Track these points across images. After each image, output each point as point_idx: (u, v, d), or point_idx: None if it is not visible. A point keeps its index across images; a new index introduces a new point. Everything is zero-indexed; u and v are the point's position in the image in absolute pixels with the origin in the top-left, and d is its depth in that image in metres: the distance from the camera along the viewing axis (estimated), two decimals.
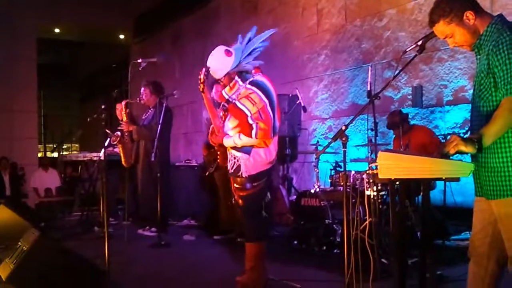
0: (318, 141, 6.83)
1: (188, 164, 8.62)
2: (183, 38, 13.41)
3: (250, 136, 3.77)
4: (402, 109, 7.10)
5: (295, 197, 6.62)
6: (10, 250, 4.34)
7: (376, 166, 2.70)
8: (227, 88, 3.93)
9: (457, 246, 5.36)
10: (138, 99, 6.83)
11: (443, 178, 2.61)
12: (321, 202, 5.49)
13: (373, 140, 5.29)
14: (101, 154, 4.25)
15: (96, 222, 7.25)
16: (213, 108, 4.11)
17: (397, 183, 2.91)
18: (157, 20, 14.47)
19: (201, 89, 4.00)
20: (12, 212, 5.84)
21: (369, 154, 5.34)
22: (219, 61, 3.89)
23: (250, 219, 4.05)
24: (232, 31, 10.97)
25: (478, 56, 2.62)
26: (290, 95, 7.83)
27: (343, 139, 3.03)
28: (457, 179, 2.56)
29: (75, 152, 19.53)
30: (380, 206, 4.82)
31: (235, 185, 4.00)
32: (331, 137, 7.87)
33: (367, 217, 4.14)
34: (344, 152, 3.14)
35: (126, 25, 16.07)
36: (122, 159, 6.74)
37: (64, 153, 13.22)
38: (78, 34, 18.03)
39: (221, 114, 4.05)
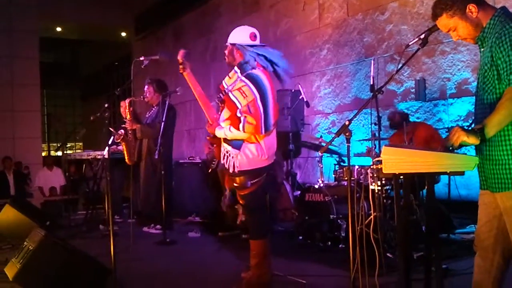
0: (321, 136, 6.82)
1: (191, 161, 8.62)
2: (184, 35, 13.41)
3: (238, 129, 3.79)
4: (405, 103, 7.10)
5: (299, 192, 6.62)
6: (16, 249, 4.35)
7: (380, 161, 2.70)
8: (227, 78, 3.97)
9: (462, 240, 5.36)
10: (141, 97, 6.83)
11: (448, 172, 2.60)
12: (325, 197, 5.49)
13: (376, 135, 5.29)
14: (105, 152, 4.25)
15: (101, 221, 7.27)
16: (200, 90, 4.16)
17: (401, 177, 2.90)
18: (159, 17, 14.46)
19: (181, 71, 4.14)
20: (18, 211, 5.87)
21: (373, 148, 5.33)
22: (240, 32, 3.99)
23: (252, 216, 4.06)
24: (234, 27, 10.94)
25: (482, 49, 2.61)
26: (293, 90, 7.82)
27: (347, 134, 3.03)
28: (461, 173, 2.56)
29: (79, 150, 19.56)
30: (385, 201, 4.82)
31: (234, 184, 4.01)
32: (334, 131, 7.87)
33: (372, 211, 4.14)
34: (348, 147, 3.14)
35: (127, 22, 16.07)
36: (126, 157, 6.75)
37: (68, 151, 13.25)
38: (80, 33, 18.04)
39: (219, 104, 4.07)
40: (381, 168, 2.67)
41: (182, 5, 13.20)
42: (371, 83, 5.23)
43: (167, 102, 6.24)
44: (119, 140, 6.59)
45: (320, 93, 8.76)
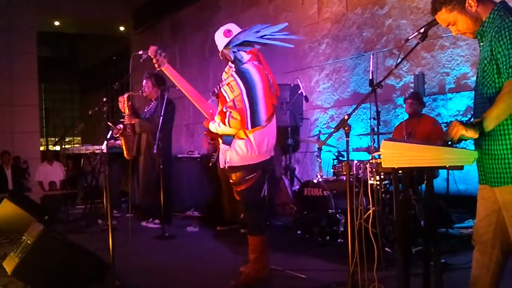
0: (320, 131, 6.82)
1: (190, 156, 8.62)
2: (183, 29, 13.37)
3: (225, 124, 3.81)
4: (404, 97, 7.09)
5: (298, 187, 6.63)
6: (14, 244, 4.35)
7: (379, 155, 2.70)
8: (224, 73, 4.01)
9: (461, 234, 5.37)
10: (140, 91, 6.82)
11: (447, 166, 2.60)
12: (324, 192, 5.49)
13: (375, 129, 5.29)
14: (104, 146, 4.25)
15: (99, 215, 7.26)
16: (188, 86, 4.18)
17: (400, 172, 2.90)
18: (157, 11, 14.42)
19: (156, 66, 4.17)
20: (16, 206, 5.86)
21: (371, 143, 5.33)
22: (217, 38, 3.98)
23: (249, 212, 4.07)
24: (233, 21, 10.87)
25: (481, 43, 2.60)
26: (292, 84, 7.81)
27: (346, 128, 3.03)
28: (460, 167, 2.56)
29: (77, 145, 19.55)
30: (383, 195, 4.82)
31: (230, 180, 4.03)
32: (333, 126, 7.87)
33: (371, 206, 4.14)
34: (347, 141, 3.14)
35: (125, 16, 16.03)
36: (124, 152, 6.73)
37: (67, 146, 13.26)
38: (78, 27, 18.01)
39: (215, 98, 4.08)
40: (380, 163, 2.67)
41: None
42: (370, 77, 5.23)
43: (165, 97, 6.23)
44: (117, 135, 6.57)
45: (319, 88, 8.75)
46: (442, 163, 2.58)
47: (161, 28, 14.56)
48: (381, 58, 7.52)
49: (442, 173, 5.60)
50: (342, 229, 5.20)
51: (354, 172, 5.09)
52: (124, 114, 6.72)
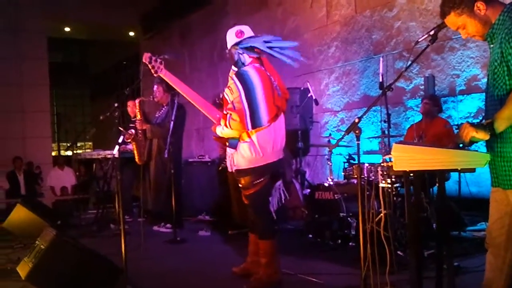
0: (330, 134, 6.81)
1: (201, 160, 8.63)
2: (192, 34, 13.43)
3: (227, 126, 3.87)
4: (415, 100, 7.07)
5: (308, 190, 6.61)
6: (28, 248, 4.38)
7: (391, 158, 2.69)
8: (229, 78, 4.04)
9: (473, 237, 5.33)
10: (151, 97, 6.84)
11: (459, 169, 2.59)
12: (335, 195, 5.48)
13: (386, 132, 5.27)
14: (115, 151, 4.27)
15: (111, 220, 7.30)
16: (189, 91, 4.22)
17: (412, 175, 2.90)
18: (166, 17, 14.51)
19: (153, 73, 4.23)
20: (29, 211, 5.90)
21: (382, 146, 5.31)
22: (228, 35, 4.04)
23: (258, 217, 4.07)
24: (241, 25, 10.96)
25: (491, 46, 2.60)
26: (302, 88, 7.81)
27: (357, 131, 3.03)
28: (472, 170, 2.55)
29: (88, 150, 19.66)
30: (395, 198, 4.80)
31: (240, 185, 4.04)
32: (343, 129, 7.86)
33: (382, 209, 4.12)
34: (358, 144, 3.14)
35: (135, 22, 16.14)
36: (136, 157, 6.78)
37: (78, 151, 13.32)
38: (88, 33, 18.14)
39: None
40: (392, 166, 2.66)
41: (189, 4, 13.23)
42: (380, 80, 5.21)
43: (176, 101, 6.26)
44: (129, 140, 6.61)
45: (329, 91, 8.74)
46: (454, 166, 2.57)
47: (170, 33, 14.63)
48: (390, 60, 7.50)
49: (454, 175, 5.57)
50: (353, 232, 5.19)
51: (365, 175, 5.08)
52: (133, 119, 6.76)
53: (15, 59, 13.18)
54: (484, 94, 2.69)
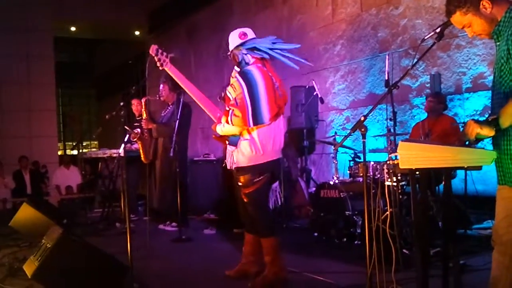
0: (336, 132, 6.81)
1: (206, 159, 8.64)
2: (198, 32, 13.43)
3: (228, 123, 3.90)
4: (421, 98, 7.05)
5: (314, 189, 6.61)
6: (34, 247, 4.40)
7: (396, 156, 2.69)
8: (231, 78, 4.07)
9: (480, 235, 5.31)
10: (157, 96, 6.85)
11: (465, 166, 2.58)
12: (341, 194, 5.47)
13: (391, 130, 5.26)
14: (121, 150, 4.28)
15: (117, 218, 7.32)
16: (192, 87, 4.25)
17: (417, 173, 2.89)
18: (172, 15, 14.51)
19: (159, 66, 4.23)
20: (35, 210, 5.92)
21: (388, 144, 5.30)
22: (231, 37, 4.08)
23: (258, 214, 4.07)
24: (247, 24, 10.91)
25: (497, 43, 2.58)
26: (307, 86, 7.81)
27: (362, 129, 3.02)
28: (479, 168, 2.54)
29: (94, 149, 19.72)
30: (401, 196, 4.79)
31: (239, 183, 4.05)
32: (349, 128, 7.84)
33: (388, 207, 4.12)
34: (364, 142, 3.13)
35: (141, 21, 16.16)
36: (142, 156, 6.79)
37: (84, 150, 13.37)
38: (94, 32, 18.18)
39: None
40: (397, 164, 2.66)
41: (195, 3, 13.22)
42: (386, 78, 5.20)
43: (181, 100, 6.26)
44: (135, 139, 6.62)
45: (334, 89, 8.73)
46: (460, 164, 2.55)
47: (176, 32, 14.64)
48: (396, 58, 7.47)
49: (460, 173, 5.55)
50: (359, 231, 5.18)
51: (371, 173, 5.07)
52: (138, 118, 6.77)
53: (22, 58, 13.23)
54: (490, 91, 2.68)
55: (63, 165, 11.11)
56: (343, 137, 3.59)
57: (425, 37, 3.07)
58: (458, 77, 6.68)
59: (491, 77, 2.63)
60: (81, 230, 6.82)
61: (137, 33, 17.04)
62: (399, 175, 4.65)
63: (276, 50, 4.00)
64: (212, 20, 12.62)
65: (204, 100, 4.25)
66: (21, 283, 4.22)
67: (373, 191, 3.82)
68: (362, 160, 3.60)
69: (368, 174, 5.09)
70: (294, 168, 7.41)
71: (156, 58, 4.23)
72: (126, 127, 6.06)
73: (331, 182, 5.69)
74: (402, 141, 2.72)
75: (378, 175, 5.03)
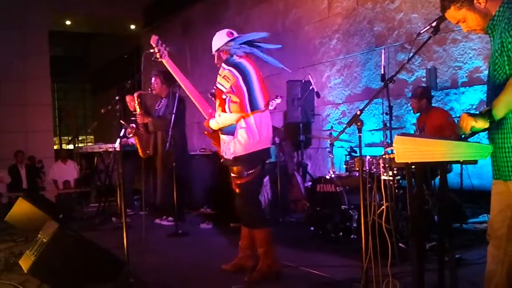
0: (332, 127, 6.81)
1: (203, 153, 8.64)
2: (193, 26, 13.39)
3: (225, 111, 3.94)
4: None
5: (310, 183, 6.62)
6: (30, 242, 4.40)
7: (392, 151, 2.69)
8: (218, 77, 4.10)
9: (475, 229, 5.34)
10: (149, 89, 6.83)
11: (461, 160, 2.59)
12: (337, 188, 5.48)
13: (387, 124, 5.26)
14: (117, 145, 4.28)
15: (113, 213, 7.31)
16: (181, 75, 4.32)
17: (413, 167, 2.89)
18: (167, 9, 14.46)
19: (158, 57, 4.27)
20: (31, 204, 5.91)
21: (384, 138, 5.30)
22: (218, 36, 4.19)
23: (248, 206, 4.11)
24: (243, 18, 10.93)
25: (492, 37, 2.59)
26: (303, 81, 7.81)
27: (358, 124, 3.02)
28: (474, 162, 2.54)
29: (90, 143, 19.69)
30: (396, 191, 4.80)
31: (232, 174, 4.10)
32: (345, 122, 7.84)
33: (384, 202, 4.12)
34: (360, 137, 3.13)
35: (136, 15, 16.10)
36: (139, 151, 6.77)
37: (80, 145, 13.34)
38: (89, 26, 18.11)
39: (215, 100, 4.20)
40: (393, 158, 2.66)
41: None
42: (382, 72, 5.20)
43: (177, 95, 6.25)
44: (131, 135, 6.61)
45: (330, 84, 8.72)
46: (456, 158, 2.56)
47: (171, 26, 14.58)
48: (392, 52, 7.47)
49: (456, 168, 5.57)
50: (355, 225, 5.19)
51: (367, 167, 5.08)
52: (135, 113, 6.75)
53: (17, 52, 13.17)
54: (486, 86, 2.68)
55: (60, 160, 11.08)
56: (339, 131, 3.59)
57: (421, 31, 3.07)
58: (454, 72, 6.69)
59: (487, 72, 2.64)
60: (77, 225, 6.81)
61: (132, 27, 16.97)
62: (395, 169, 4.66)
63: (260, 48, 4.12)
64: (207, 14, 12.58)
65: (197, 96, 4.31)
66: (17, 278, 4.21)
67: (369, 185, 3.83)
68: (358, 154, 3.60)
69: (364, 168, 5.09)
70: (290, 163, 7.41)
71: (156, 49, 4.27)
72: (121, 121, 6.05)
73: (327, 177, 5.69)
74: (398, 135, 2.72)
75: (374, 169, 5.03)
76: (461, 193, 5.58)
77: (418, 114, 5.94)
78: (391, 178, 4.66)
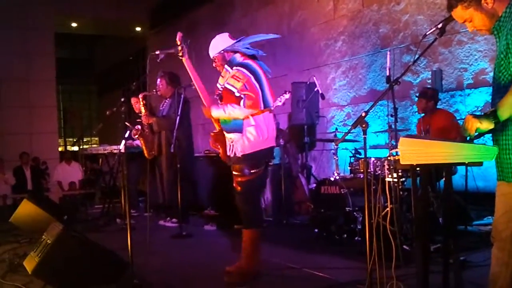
0: (336, 129, 6.80)
1: (207, 155, 8.63)
2: (199, 28, 13.40)
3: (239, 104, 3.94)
4: None
5: (314, 185, 6.60)
6: (34, 243, 4.40)
7: (397, 152, 2.68)
8: (220, 78, 4.14)
9: (480, 232, 5.32)
10: (154, 90, 6.85)
11: (466, 162, 2.57)
12: (341, 190, 5.46)
13: (392, 126, 5.25)
14: (122, 146, 4.28)
15: (118, 214, 7.32)
16: (197, 76, 4.28)
17: (418, 168, 2.88)
18: (173, 11, 14.49)
19: (180, 54, 4.25)
20: (36, 206, 5.92)
21: (389, 140, 5.29)
22: (220, 39, 4.21)
23: (247, 205, 4.11)
24: (248, 20, 10.94)
25: (498, 38, 2.58)
26: (308, 82, 7.80)
27: (363, 125, 3.01)
28: (480, 164, 2.54)
29: (95, 145, 19.75)
30: (401, 193, 4.79)
31: (234, 172, 4.09)
32: (350, 124, 7.83)
33: (388, 203, 4.11)
34: (365, 139, 3.12)
35: (141, 17, 16.15)
36: (145, 152, 6.77)
37: (84, 146, 13.39)
38: (95, 28, 18.17)
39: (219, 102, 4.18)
40: (398, 160, 2.65)
41: None
42: (387, 74, 5.19)
43: (182, 95, 6.26)
44: (136, 136, 6.61)
45: (335, 85, 8.71)
46: (461, 160, 2.55)
47: (177, 28, 14.53)
48: (398, 54, 7.46)
49: (461, 170, 5.55)
50: (359, 227, 5.18)
51: (372, 169, 5.06)
52: (140, 114, 6.76)
53: (23, 54, 13.22)
54: (491, 87, 2.67)
55: (65, 161, 11.11)
56: (343, 133, 3.58)
57: (427, 33, 3.06)
58: (460, 73, 6.67)
59: (492, 73, 2.63)
60: (81, 226, 6.82)
61: (138, 29, 17.02)
62: (399, 171, 4.64)
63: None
64: (213, 16, 12.60)
65: (205, 92, 4.28)
66: (22, 279, 4.21)
67: (374, 187, 3.82)
68: (362, 156, 3.59)
69: (369, 170, 5.08)
70: (295, 164, 7.40)
71: (180, 47, 4.25)
72: (127, 123, 6.06)
73: (332, 178, 5.68)
74: (403, 137, 2.71)
75: (379, 171, 5.02)
76: (466, 195, 5.56)
77: (421, 115, 5.92)
78: (395, 180, 4.64)
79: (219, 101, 4.14)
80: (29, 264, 3.96)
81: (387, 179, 4.33)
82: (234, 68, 4.03)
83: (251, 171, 3.98)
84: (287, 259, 4.53)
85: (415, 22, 7.24)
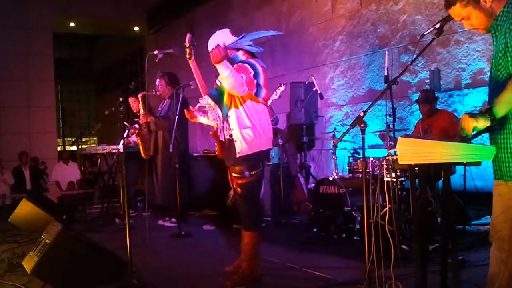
0: (335, 128, 6.81)
1: (206, 155, 8.64)
2: (197, 27, 13.39)
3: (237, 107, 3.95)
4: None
5: (313, 185, 6.61)
6: (33, 243, 4.40)
7: (396, 152, 2.69)
8: (220, 76, 4.03)
9: (478, 231, 5.32)
10: (153, 90, 6.86)
11: (464, 162, 2.58)
12: (340, 190, 5.47)
13: (391, 126, 5.26)
14: (120, 146, 4.28)
15: (116, 214, 7.32)
16: (201, 79, 4.30)
17: (416, 168, 2.89)
18: (171, 11, 14.47)
19: (188, 56, 4.19)
20: (35, 205, 5.92)
21: (387, 140, 5.30)
22: (222, 35, 4.15)
23: (247, 207, 4.09)
24: (247, 19, 10.93)
25: (495, 37, 2.59)
26: (306, 82, 7.80)
27: (362, 125, 3.02)
28: (478, 163, 2.54)
29: (93, 145, 19.73)
30: (400, 192, 4.80)
31: (233, 174, 4.08)
32: (348, 124, 7.84)
33: (387, 203, 4.12)
34: (363, 138, 3.13)
35: (140, 17, 16.12)
36: (141, 151, 6.78)
37: (83, 146, 13.37)
38: (93, 28, 18.14)
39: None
40: (397, 159, 2.66)
41: None
42: (386, 74, 5.20)
43: (180, 96, 6.26)
44: (134, 135, 6.62)
45: (334, 85, 8.72)
46: (460, 159, 2.55)
47: (175, 27, 14.60)
48: (396, 54, 7.47)
49: (459, 169, 5.56)
50: (358, 226, 5.19)
51: (370, 169, 5.07)
52: (138, 114, 6.76)
53: (21, 54, 13.19)
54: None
55: (62, 161, 11.09)
56: (342, 133, 3.59)
57: (425, 33, 3.06)
58: (458, 73, 6.68)
59: (489, 73, 2.63)
60: (80, 226, 6.82)
61: (136, 29, 17.00)
62: (398, 171, 4.65)
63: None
64: (211, 16, 12.59)
65: (203, 86, 4.30)
66: (20, 279, 4.22)
67: (372, 187, 3.83)
68: (361, 156, 3.59)
69: (367, 170, 5.09)
70: (294, 164, 7.41)
71: (188, 49, 4.18)
72: (125, 122, 6.07)
73: (330, 178, 5.69)
74: (401, 136, 2.72)
75: (377, 171, 5.03)
76: (464, 195, 5.57)
77: (420, 114, 5.93)
78: (394, 179, 4.65)
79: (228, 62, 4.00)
80: (28, 263, 3.96)
81: (386, 179, 4.34)
82: (237, 64, 3.99)
83: (251, 173, 3.97)
84: (285, 259, 4.53)
85: (413, 22, 7.25)
